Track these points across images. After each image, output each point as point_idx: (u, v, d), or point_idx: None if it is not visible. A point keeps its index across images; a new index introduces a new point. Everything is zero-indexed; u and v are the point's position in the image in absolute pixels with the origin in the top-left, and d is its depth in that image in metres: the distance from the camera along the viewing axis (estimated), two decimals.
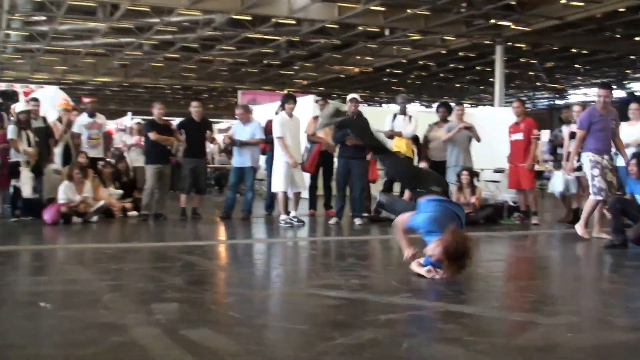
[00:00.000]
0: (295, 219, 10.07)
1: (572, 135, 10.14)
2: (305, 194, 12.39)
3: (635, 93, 11.81)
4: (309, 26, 25.54)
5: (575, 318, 4.19)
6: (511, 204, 11.43)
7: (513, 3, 22.24)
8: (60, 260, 7.04)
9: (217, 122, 22.78)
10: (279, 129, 10.27)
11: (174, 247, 7.69)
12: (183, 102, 43.85)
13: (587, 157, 8.69)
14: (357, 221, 10.23)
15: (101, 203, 10.55)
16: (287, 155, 10.17)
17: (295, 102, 10.54)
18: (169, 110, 13.88)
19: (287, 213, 10.18)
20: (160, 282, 5.34)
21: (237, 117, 11.49)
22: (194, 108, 11.11)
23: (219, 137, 20.06)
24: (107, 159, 12.31)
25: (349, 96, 10.63)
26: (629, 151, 9.03)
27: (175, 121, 12.76)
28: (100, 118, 12.27)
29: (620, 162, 9.63)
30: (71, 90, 30.59)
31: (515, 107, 11.00)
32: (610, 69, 37.77)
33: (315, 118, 11.97)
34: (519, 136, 10.71)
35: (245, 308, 4.58)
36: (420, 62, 34.53)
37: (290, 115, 10.36)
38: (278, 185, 10.32)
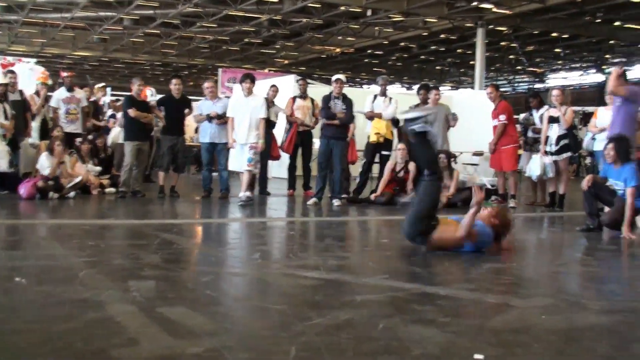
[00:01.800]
0: (239, 199, 10.01)
1: (551, 119, 10.21)
2: (284, 174, 12.41)
3: None
4: (291, 5, 25.40)
5: (550, 300, 4.24)
6: (489, 187, 11.49)
7: None
8: (36, 235, 6.97)
9: (196, 100, 22.59)
10: (230, 108, 10.37)
11: (151, 225, 7.66)
12: (162, 79, 43.55)
13: None
14: (336, 202, 10.24)
15: (78, 179, 10.48)
16: (230, 135, 10.22)
17: (252, 81, 10.38)
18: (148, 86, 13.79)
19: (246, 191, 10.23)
20: (137, 259, 5.33)
21: (207, 91, 11.31)
22: (174, 85, 11.02)
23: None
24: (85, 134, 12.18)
25: (334, 77, 10.64)
26: (604, 135, 9.07)
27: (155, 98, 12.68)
28: (78, 92, 12.15)
29: (597, 146, 9.72)
30: (49, 64, 30.21)
31: (489, 92, 10.95)
32: (590, 54, 38.02)
33: (294, 99, 11.96)
34: (497, 122, 10.73)
35: (222, 287, 4.59)
36: (402, 44, 34.53)
37: (248, 94, 10.25)
38: (231, 163, 10.44)
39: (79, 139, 11.54)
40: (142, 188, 10.96)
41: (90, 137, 12.08)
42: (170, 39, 33.85)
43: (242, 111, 10.15)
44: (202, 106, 11.35)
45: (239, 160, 10.20)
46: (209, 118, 10.83)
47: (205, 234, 7.68)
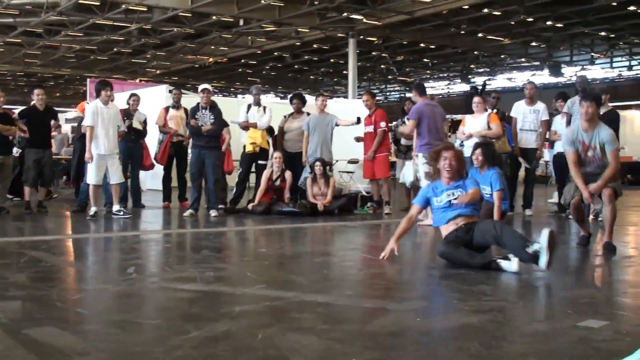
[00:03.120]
0: (121, 212, 9.73)
1: None
2: (159, 186, 12.14)
3: (478, 87, 12.56)
4: (161, 14, 25.01)
5: (424, 303, 4.34)
6: (364, 193, 11.72)
7: None
8: None
9: (64, 112, 21.80)
10: (90, 118, 9.72)
11: (17, 243, 7.30)
12: (27, 90, 41.71)
13: None
14: (213, 213, 10.12)
15: None
16: (94, 146, 9.64)
17: (111, 88, 10.01)
18: (10, 98, 13.14)
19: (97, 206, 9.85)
20: (1, 279, 5.03)
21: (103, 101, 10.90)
22: (37, 96, 10.52)
23: (67, 127, 19.25)
24: None
25: (201, 87, 10.50)
26: (472, 142, 9.44)
27: (18, 110, 12.09)
28: None
29: (466, 152, 10.08)
30: None
31: (365, 100, 11.21)
32: (456, 64, 39.69)
33: (167, 109, 11.75)
34: (371, 128, 10.97)
35: (95, 304, 4.41)
36: (275, 54, 34.74)
37: (106, 103, 9.84)
38: (91, 177, 9.82)
39: None
40: (6, 204, 10.41)
41: None
42: (34, 49, 32.50)
43: (105, 121, 9.71)
44: None
45: (102, 173, 9.76)
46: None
47: (77, 250, 7.38)
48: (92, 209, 9.71)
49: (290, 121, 11.44)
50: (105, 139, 9.69)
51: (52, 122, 10.81)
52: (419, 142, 9.57)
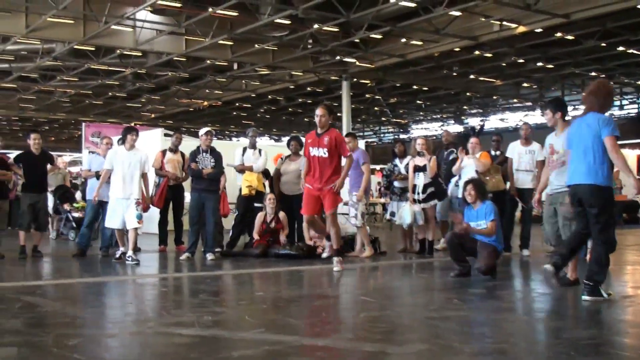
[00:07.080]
0: (130, 258, 9.56)
1: (417, 168, 10.54)
2: (155, 229, 12.07)
3: (476, 127, 12.61)
4: (155, 59, 25.22)
5: (425, 346, 4.30)
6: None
7: (357, 41, 23.06)
8: None
9: (59, 155, 21.78)
10: (107, 161, 9.88)
11: (12, 288, 7.20)
12: (21, 134, 41.84)
13: None
14: (210, 256, 10.04)
15: None
16: (111, 190, 9.77)
17: (137, 134, 10.11)
18: (5, 143, 13.16)
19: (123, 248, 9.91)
20: None
21: (104, 147, 10.93)
22: (33, 140, 10.52)
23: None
24: None
25: (203, 130, 10.50)
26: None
27: (13, 154, 12.08)
28: None
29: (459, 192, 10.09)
30: None
31: (321, 115, 9.22)
32: (449, 105, 40.04)
33: (164, 152, 11.75)
34: (322, 152, 10.38)
35: (91, 350, 4.35)
36: (269, 97, 34.99)
37: (130, 148, 9.90)
38: (108, 221, 9.88)
39: None
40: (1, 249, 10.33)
41: None
42: (29, 93, 32.66)
43: (123, 165, 9.75)
44: (92, 161, 10.94)
45: (120, 216, 9.72)
46: (98, 175, 10.43)
47: (72, 295, 7.30)
48: (119, 251, 9.79)
49: (287, 163, 11.40)
50: (122, 183, 9.70)
51: (49, 166, 10.80)
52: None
